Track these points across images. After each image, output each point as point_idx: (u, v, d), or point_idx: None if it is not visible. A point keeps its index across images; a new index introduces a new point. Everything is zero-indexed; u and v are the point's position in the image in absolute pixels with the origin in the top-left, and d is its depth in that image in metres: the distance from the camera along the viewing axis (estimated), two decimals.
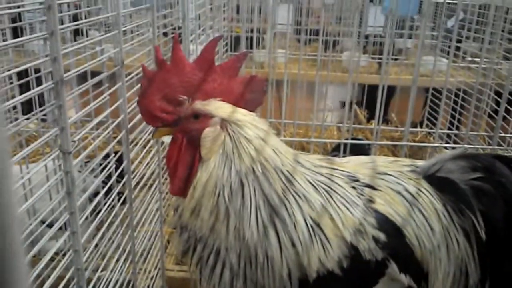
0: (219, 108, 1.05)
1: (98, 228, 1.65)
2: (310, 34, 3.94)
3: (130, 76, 1.64)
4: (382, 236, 1.05)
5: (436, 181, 1.13)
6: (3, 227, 0.25)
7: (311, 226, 1.04)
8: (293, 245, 1.03)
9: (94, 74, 1.30)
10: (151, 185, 1.86)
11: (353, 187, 1.11)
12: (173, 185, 1.10)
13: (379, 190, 1.11)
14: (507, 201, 1.08)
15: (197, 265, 1.10)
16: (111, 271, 1.57)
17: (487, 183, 1.08)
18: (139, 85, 1.10)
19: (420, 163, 1.20)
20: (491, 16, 2.55)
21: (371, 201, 1.09)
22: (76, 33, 3.29)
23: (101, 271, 1.50)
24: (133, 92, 1.51)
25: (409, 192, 1.11)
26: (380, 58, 4.15)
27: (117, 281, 1.60)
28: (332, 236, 1.04)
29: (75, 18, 2.57)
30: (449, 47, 2.90)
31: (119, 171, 1.59)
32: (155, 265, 1.77)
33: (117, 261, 1.62)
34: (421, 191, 1.11)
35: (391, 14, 2.00)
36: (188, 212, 1.07)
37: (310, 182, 1.08)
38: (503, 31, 2.87)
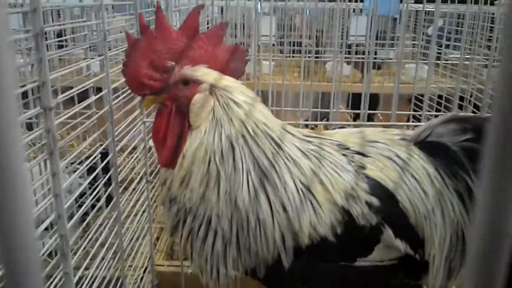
0: (208, 74, 1.04)
1: (85, 230, 1.62)
2: (293, 46, 3.99)
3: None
4: (375, 201, 1.04)
5: (427, 146, 1.12)
6: None
7: (301, 190, 1.02)
8: (284, 209, 1.01)
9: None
10: (139, 181, 1.82)
11: (344, 155, 1.09)
12: (162, 156, 1.07)
13: (370, 156, 1.10)
14: None
15: (188, 239, 1.07)
16: (98, 268, 1.52)
17: (478, 143, 1.07)
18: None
19: (409, 132, 1.19)
20: (467, 24, 2.62)
21: (362, 167, 1.08)
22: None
23: (89, 269, 1.45)
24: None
25: (400, 158, 1.10)
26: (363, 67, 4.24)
27: (104, 278, 1.55)
28: (323, 200, 1.02)
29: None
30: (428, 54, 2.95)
31: (104, 163, 1.56)
32: (144, 261, 1.72)
33: (103, 259, 1.57)
34: (412, 156, 1.10)
35: (374, 14, 2.02)
36: (177, 182, 1.04)
37: (299, 149, 1.06)
38: (481, 39, 2.95)
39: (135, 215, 1.75)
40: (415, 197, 1.07)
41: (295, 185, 1.02)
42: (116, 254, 1.63)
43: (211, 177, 1.01)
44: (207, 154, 1.01)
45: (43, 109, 0.85)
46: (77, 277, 1.25)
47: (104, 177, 1.63)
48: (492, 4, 2.77)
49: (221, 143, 1.01)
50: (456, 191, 1.08)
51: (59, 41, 2.48)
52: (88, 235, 1.50)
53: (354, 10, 3.70)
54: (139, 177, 1.76)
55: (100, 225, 1.59)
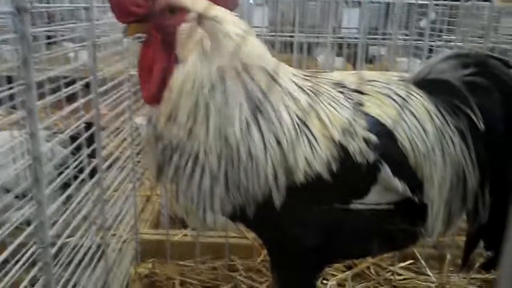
0: (196, 2, 0.98)
1: (68, 198, 1.54)
2: (285, 43, 3.96)
3: None
4: (373, 138, 0.98)
5: (427, 83, 1.07)
6: None
7: (297, 124, 0.96)
8: (278, 143, 0.95)
9: None
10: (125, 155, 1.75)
11: (340, 92, 1.04)
12: (147, 91, 1.01)
13: (368, 94, 1.05)
14: (503, 91, 1.02)
15: (173, 179, 1.00)
16: (81, 237, 1.45)
17: (480, 76, 1.03)
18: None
19: (407, 74, 1.14)
20: (461, 16, 2.61)
21: (360, 104, 1.02)
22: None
23: (70, 237, 1.38)
24: None
25: (399, 95, 1.04)
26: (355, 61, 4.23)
27: (86, 246, 1.47)
28: (320, 135, 0.97)
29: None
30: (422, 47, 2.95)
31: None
32: (129, 230, 1.64)
33: (85, 230, 1.50)
34: (411, 94, 1.05)
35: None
36: (164, 118, 0.98)
37: (295, 83, 1.01)
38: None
39: (120, 183, 1.67)
40: (414, 135, 1.01)
41: (291, 118, 0.96)
42: (99, 225, 1.56)
43: (200, 110, 0.95)
44: (195, 87, 0.95)
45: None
46: (56, 247, 1.18)
47: (88, 147, 1.56)
48: None
49: (210, 75, 0.95)
50: (458, 128, 1.03)
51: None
52: (69, 207, 1.43)
53: (346, 3, 3.68)
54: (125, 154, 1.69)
55: (82, 198, 1.52)
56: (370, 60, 3.96)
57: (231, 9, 1.04)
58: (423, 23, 3.65)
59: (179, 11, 0.97)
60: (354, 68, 4.28)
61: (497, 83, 1.02)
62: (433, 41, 3.42)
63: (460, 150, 1.03)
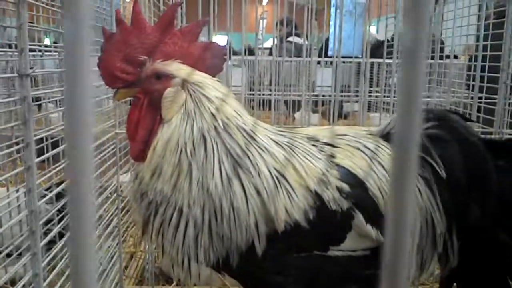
0: (180, 69, 1.07)
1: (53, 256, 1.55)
2: (262, 100, 4.11)
3: None
4: (345, 186, 1.06)
5: (392, 137, 1.17)
6: None
7: (275, 176, 1.03)
8: (259, 193, 1.01)
9: None
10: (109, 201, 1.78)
11: (314, 145, 1.12)
12: (133, 148, 1.08)
13: (339, 147, 1.13)
14: (461, 143, 1.12)
15: (159, 231, 1.04)
16: None
17: (441, 129, 1.13)
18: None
19: (375, 128, 1.24)
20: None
21: (332, 156, 1.11)
22: None
23: None
24: None
25: (368, 148, 1.13)
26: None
27: None
28: (297, 185, 1.04)
29: None
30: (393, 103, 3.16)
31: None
32: (112, 286, 1.64)
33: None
34: (379, 146, 1.14)
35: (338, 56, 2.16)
36: (148, 174, 1.04)
37: (272, 139, 1.09)
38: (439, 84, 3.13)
39: (105, 241, 1.69)
40: (384, 185, 1.09)
41: (269, 171, 1.03)
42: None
43: (182, 168, 1.02)
44: (178, 146, 1.02)
45: (20, 76, 0.87)
46: None
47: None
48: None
49: (193, 135, 1.03)
50: (423, 177, 1.12)
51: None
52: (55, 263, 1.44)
53: (319, 63, 3.89)
54: (109, 201, 1.72)
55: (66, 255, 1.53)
56: (344, 116, 4.14)
57: (216, 74, 1.14)
58: (391, 80, 3.86)
59: (165, 77, 1.06)
60: (330, 123, 4.45)
61: (456, 135, 1.13)
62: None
63: (426, 197, 1.11)
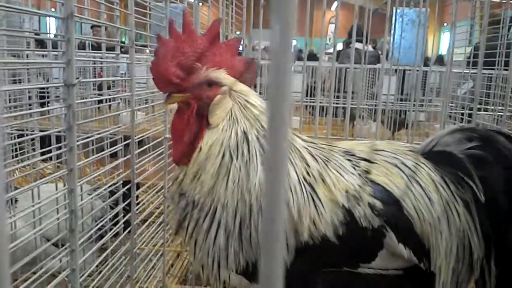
0: (228, 78, 1.11)
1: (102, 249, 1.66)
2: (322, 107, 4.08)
3: None
4: (378, 203, 1.04)
5: (434, 155, 1.13)
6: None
7: (305, 187, 1.04)
8: (287, 202, 1.02)
9: None
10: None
11: (348, 160, 1.12)
12: (176, 151, 1.13)
13: (375, 163, 1.12)
14: (505, 166, 1.06)
15: (193, 234, 1.09)
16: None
17: (484, 150, 1.08)
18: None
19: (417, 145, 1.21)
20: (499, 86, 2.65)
21: (367, 172, 1.09)
22: None
23: None
24: None
25: (406, 166, 1.11)
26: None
27: None
28: (326, 199, 1.04)
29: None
30: (462, 114, 3.03)
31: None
32: (156, 285, 1.72)
33: (116, 282, 1.59)
34: (418, 164, 1.11)
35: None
36: (189, 177, 1.09)
37: (307, 150, 1.10)
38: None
39: (151, 238, 1.78)
40: (420, 205, 1.06)
41: (299, 181, 1.04)
42: (129, 278, 1.65)
43: (222, 169, 1.05)
44: (222, 150, 1.06)
45: (67, 86, 0.95)
46: None
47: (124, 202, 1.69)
48: None
49: (237, 138, 1.06)
50: (462, 199, 1.07)
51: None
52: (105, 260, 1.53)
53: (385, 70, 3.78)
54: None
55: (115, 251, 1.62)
56: (406, 125, 4.01)
57: (249, 85, 1.17)
58: (459, 91, 3.69)
59: (215, 85, 1.10)
60: (393, 133, 4.33)
61: (500, 158, 1.07)
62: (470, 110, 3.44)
63: (465, 220, 1.06)
